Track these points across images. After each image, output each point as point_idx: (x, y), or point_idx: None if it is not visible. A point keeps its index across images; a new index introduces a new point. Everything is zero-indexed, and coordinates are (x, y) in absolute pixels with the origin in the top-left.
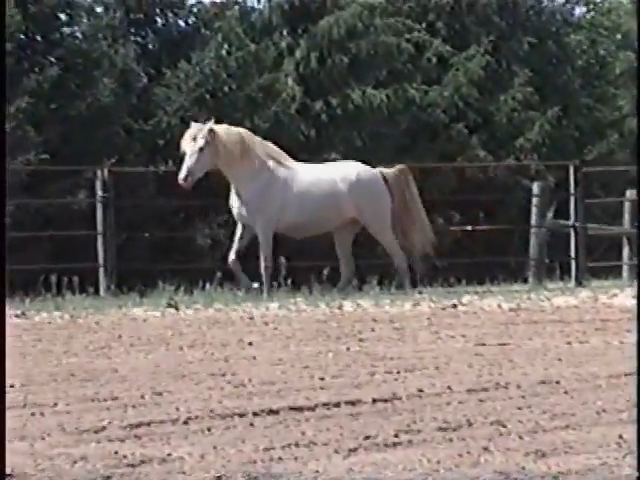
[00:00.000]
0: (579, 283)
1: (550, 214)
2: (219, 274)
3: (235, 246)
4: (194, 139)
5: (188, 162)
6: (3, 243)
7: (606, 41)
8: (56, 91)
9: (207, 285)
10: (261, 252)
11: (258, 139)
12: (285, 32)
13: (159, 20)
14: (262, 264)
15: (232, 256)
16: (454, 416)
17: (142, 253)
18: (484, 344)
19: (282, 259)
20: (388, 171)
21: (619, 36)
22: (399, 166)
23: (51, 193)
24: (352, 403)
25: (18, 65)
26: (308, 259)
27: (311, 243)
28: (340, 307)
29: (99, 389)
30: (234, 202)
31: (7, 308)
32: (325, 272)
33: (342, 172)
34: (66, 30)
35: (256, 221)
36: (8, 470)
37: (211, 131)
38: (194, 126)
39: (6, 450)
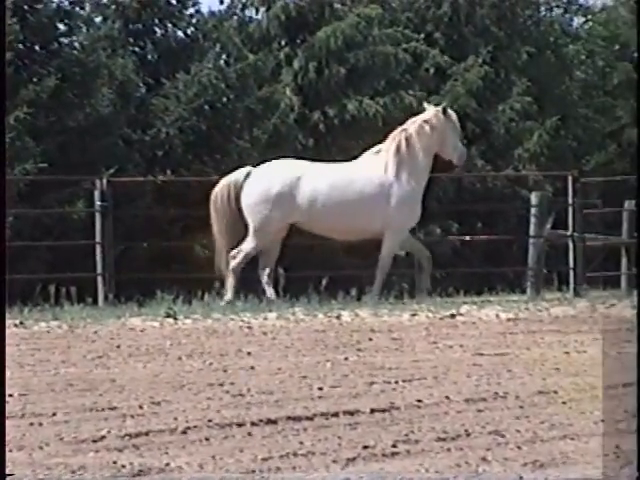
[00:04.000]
0: (577, 293)
1: (548, 224)
2: (217, 284)
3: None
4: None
5: None
6: (3, 253)
7: (604, 52)
8: (54, 101)
9: (205, 295)
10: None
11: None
12: (283, 43)
13: (158, 30)
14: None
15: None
16: (452, 426)
17: (140, 263)
18: (482, 354)
19: (280, 270)
20: None
21: (617, 47)
22: None
23: (49, 203)
24: (350, 413)
25: (16, 75)
26: (306, 269)
27: (309, 253)
28: (338, 317)
29: (97, 399)
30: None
31: (6, 318)
32: (324, 282)
33: None
34: (64, 40)
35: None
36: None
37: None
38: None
39: (5, 460)
